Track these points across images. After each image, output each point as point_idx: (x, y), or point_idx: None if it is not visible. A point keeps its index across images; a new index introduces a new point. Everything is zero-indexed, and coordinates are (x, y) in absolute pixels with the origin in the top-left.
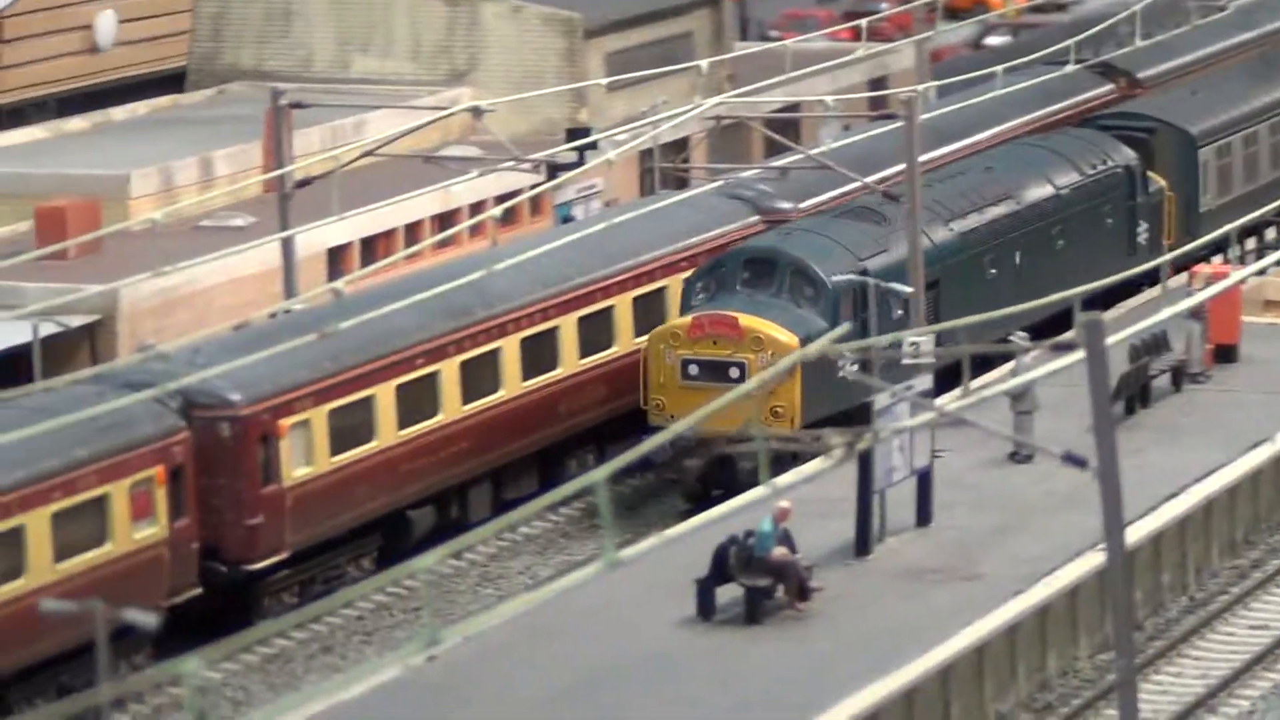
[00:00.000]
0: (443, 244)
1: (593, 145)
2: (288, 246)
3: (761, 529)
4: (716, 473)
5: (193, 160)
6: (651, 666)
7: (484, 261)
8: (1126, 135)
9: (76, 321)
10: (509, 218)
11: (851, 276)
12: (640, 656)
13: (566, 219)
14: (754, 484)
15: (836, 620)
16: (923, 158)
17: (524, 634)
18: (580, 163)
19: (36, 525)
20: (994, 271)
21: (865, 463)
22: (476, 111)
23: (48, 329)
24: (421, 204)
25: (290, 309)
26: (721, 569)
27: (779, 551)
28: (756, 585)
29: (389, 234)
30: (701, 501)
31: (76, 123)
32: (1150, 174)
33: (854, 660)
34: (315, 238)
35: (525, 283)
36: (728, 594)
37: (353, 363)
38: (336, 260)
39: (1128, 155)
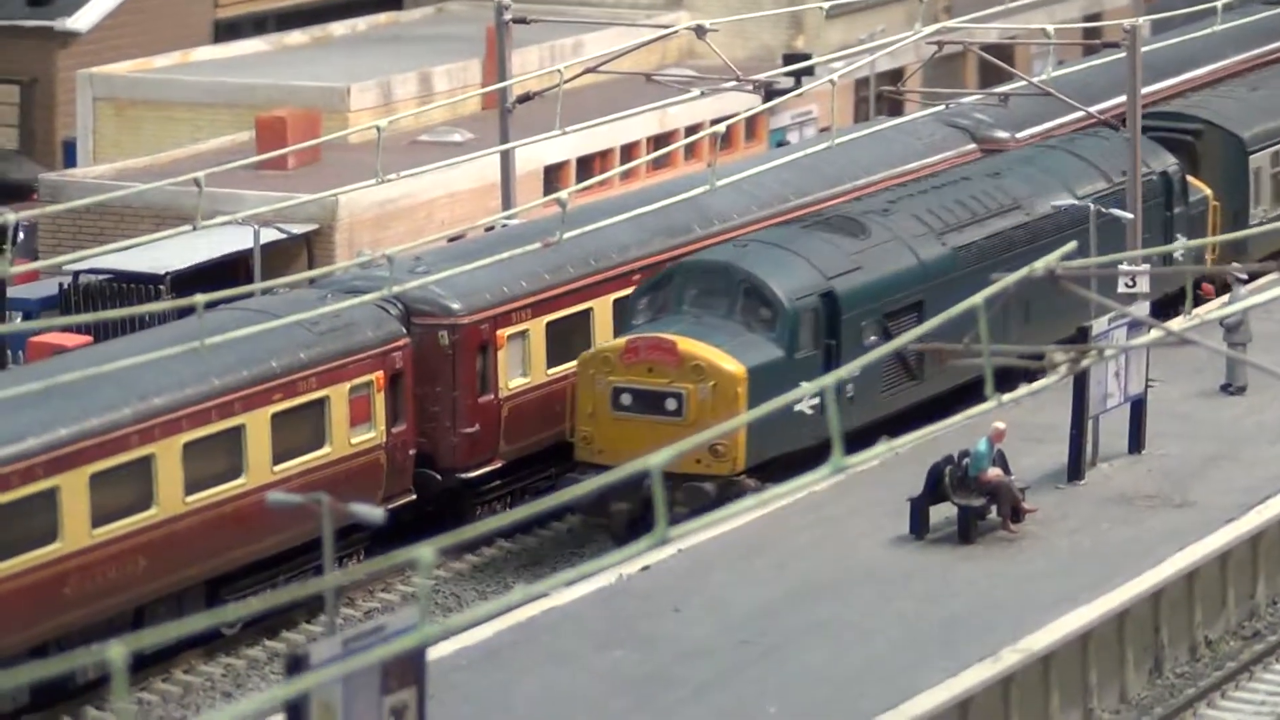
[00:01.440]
0: (658, 165)
1: (810, 71)
2: (506, 160)
3: (977, 449)
4: (650, 516)
5: (412, 75)
6: (863, 582)
7: (702, 181)
8: (1167, 138)
9: (299, 229)
10: (725, 142)
11: (815, 297)
12: (852, 572)
13: (781, 144)
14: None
15: (1048, 542)
16: (1145, 89)
17: (737, 548)
18: (797, 88)
19: (256, 426)
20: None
21: (1081, 387)
22: (699, 31)
23: (268, 235)
24: (638, 124)
25: (507, 223)
26: (936, 488)
27: (993, 472)
28: (970, 505)
29: (605, 154)
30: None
31: (296, 37)
32: (1193, 181)
33: (1065, 582)
34: (533, 155)
35: (743, 202)
36: (941, 513)
37: (572, 276)
38: (553, 178)
39: (1166, 160)
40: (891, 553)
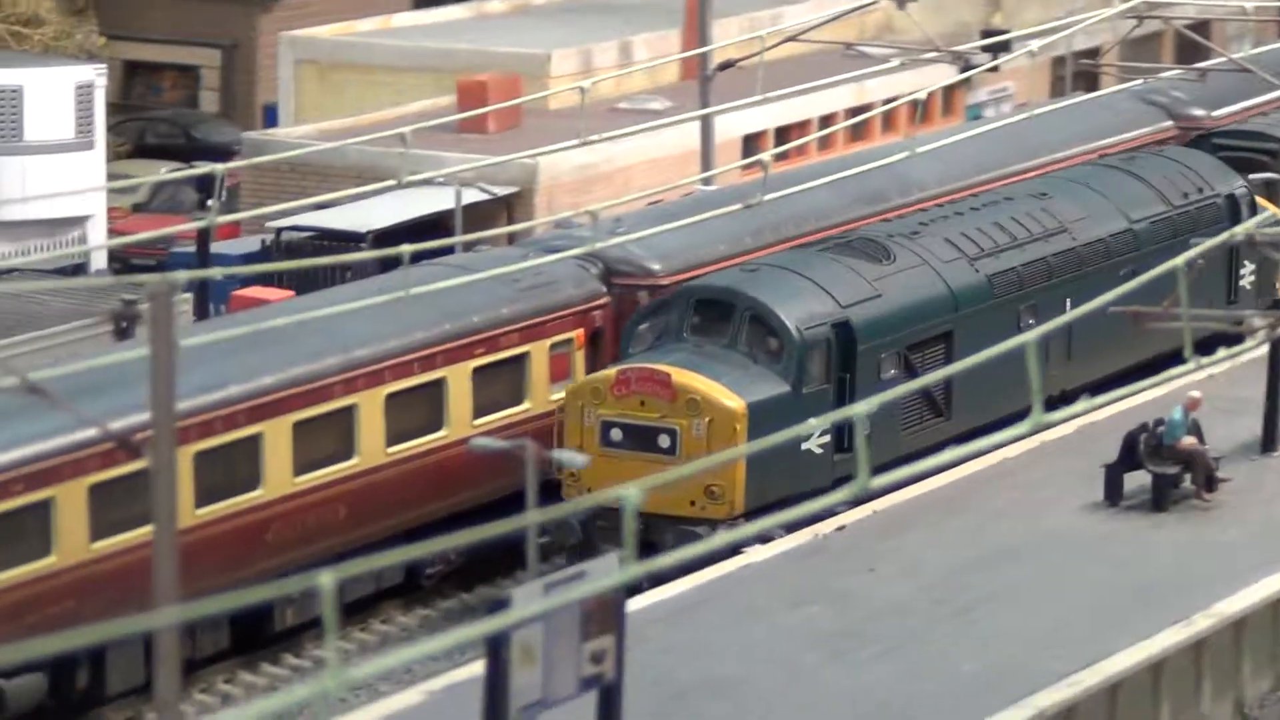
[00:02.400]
0: (856, 137)
1: (1006, 46)
2: (707, 126)
3: (1172, 418)
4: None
5: (612, 44)
6: (1056, 546)
7: (900, 152)
8: (1240, 157)
9: (501, 190)
10: (922, 115)
11: (827, 327)
12: (1046, 536)
13: (977, 120)
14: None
15: (1241, 512)
16: None
17: (932, 510)
18: (995, 66)
19: (458, 380)
20: (1032, 323)
21: (1276, 358)
22: (900, 2)
23: (469, 196)
24: (836, 96)
25: (704, 187)
26: (1131, 455)
27: (1188, 441)
28: (1164, 473)
29: (803, 125)
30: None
31: (496, 4)
32: (1264, 204)
33: (1257, 551)
34: (732, 124)
35: (940, 172)
36: (1136, 481)
37: (771, 240)
38: (752, 148)
39: (1233, 182)
40: (1085, 518)
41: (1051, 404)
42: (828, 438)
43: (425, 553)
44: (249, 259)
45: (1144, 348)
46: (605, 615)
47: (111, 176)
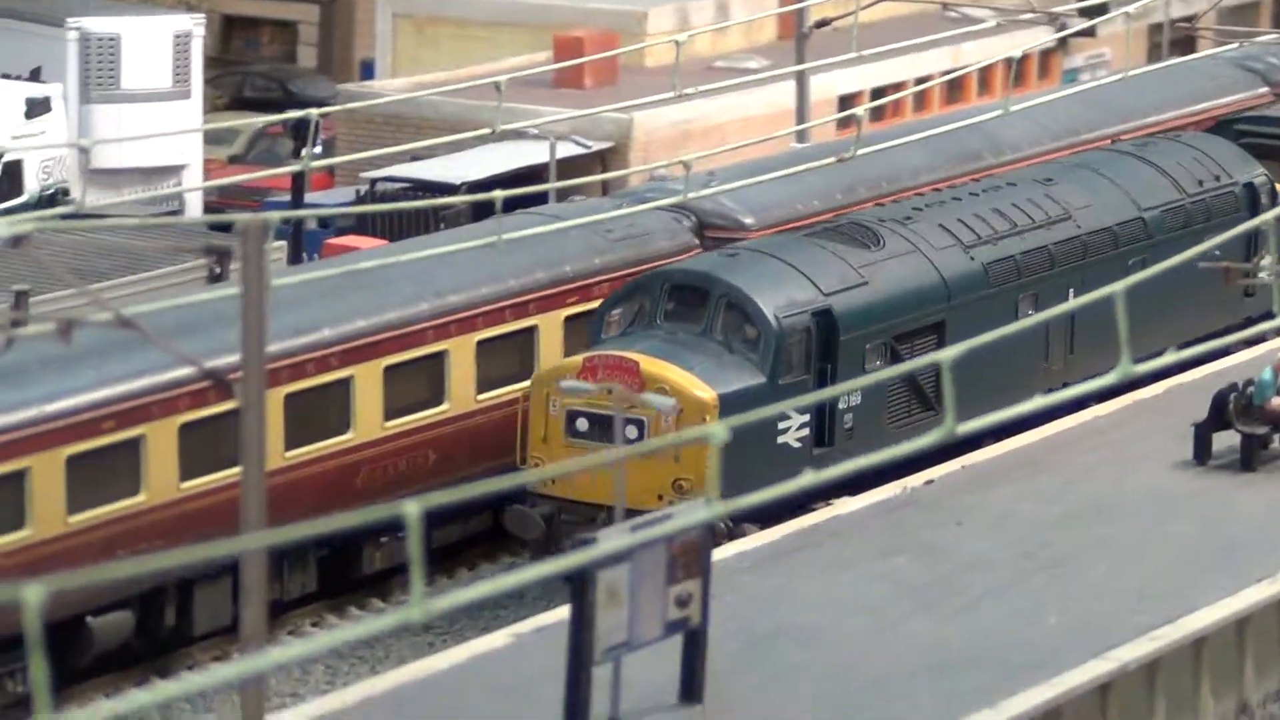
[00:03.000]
0: (951, 100)
1: (1103, 9)
2: (801, 84)
3: (1262, 379)
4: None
5: (708, 1)
6: (1144, 503)
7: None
8: (1263, 144)
9: (596, 144)
10: (1018, 79)
11: (807, 315)
12: (1133, 493)
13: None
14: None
15: None
16: None
17: (1021, 466)
18: (1091, 31)
19: (549, 328)
20: (1031, 314)
21: None
22: None
23: (563, 150)
24: (932, 58)
25: (798, 145)
26: (1220, 415)
27: (1277, 401)
28: (1253, 432)
29: (898, 86)
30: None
31: None
32: None
33: None
34: (827, 84)
35: (1034, 133)
36: (1224, 441)
37: (864, 196)
38: (847, 108)
39: (1252, 170)
40: (1173, 477)
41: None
42: (807, 430)
43: (510, 486)
44: (345, 213)
45: (1150, 341)
46: (691, 559)
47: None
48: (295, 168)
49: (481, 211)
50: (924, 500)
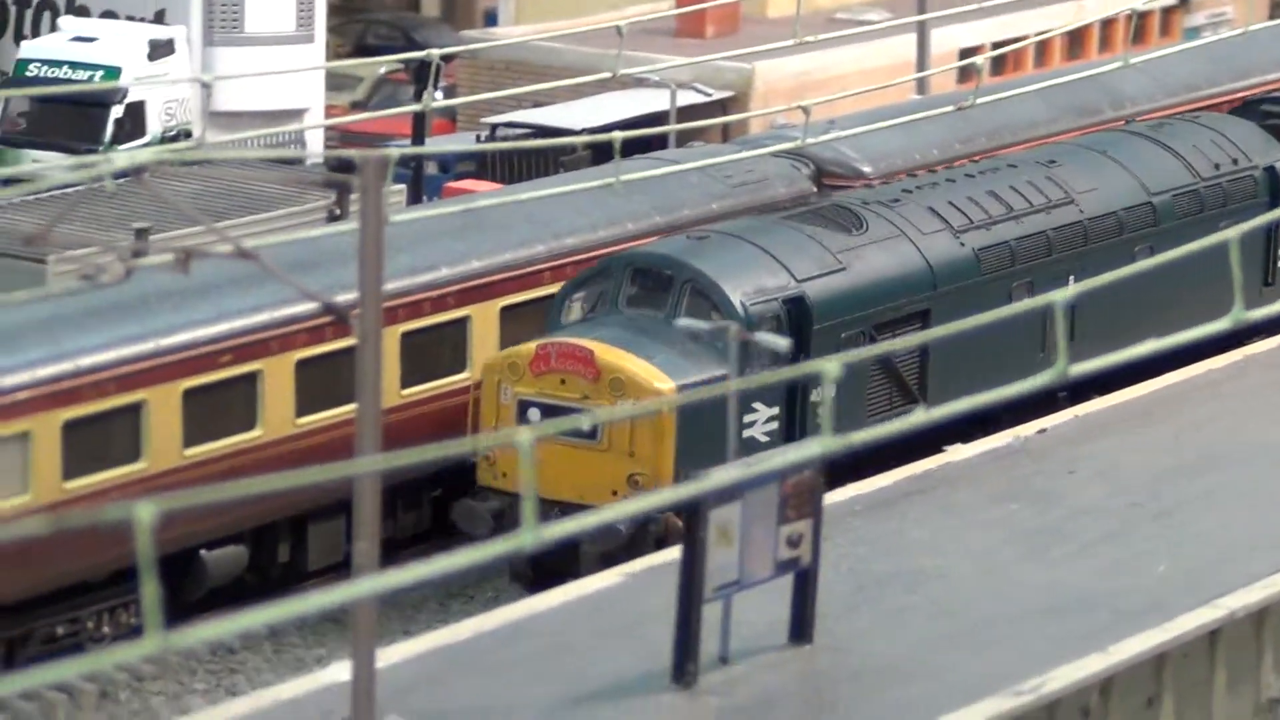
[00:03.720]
0: (1073, 56)
1: None
2: (922, 34)
3: None
4: (556, 555)
5: None
6: (1257, 456)
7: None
8: (1273, 125)
9: (716, 93)
10: (1138, 35)
11: (778, 302)
12: (1246, 446)
13: None
14: (604, 567)
15: None
16: None
17: (1133, 417)
18: None
19: None
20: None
21: None
22: None
23: (684, 98)
24: (1053, 12)
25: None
26: None
27: None
28: None
29: (1019, 41)
30: (538, 584)
31: None
32: None
33: None
34: (948, 37)
35: (1153, 88)
36: None
37: (984, 146)
38: (969, 66)
39: (1274, 153)
40: None
41: (1050, 397)
42: (775, 424)
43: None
44: (464, 155)
45: (1156, 330)
46: (803, 500)
47: (331, 76)
48: (415, 107)
49: (601, 159)
50: (1036, 449)
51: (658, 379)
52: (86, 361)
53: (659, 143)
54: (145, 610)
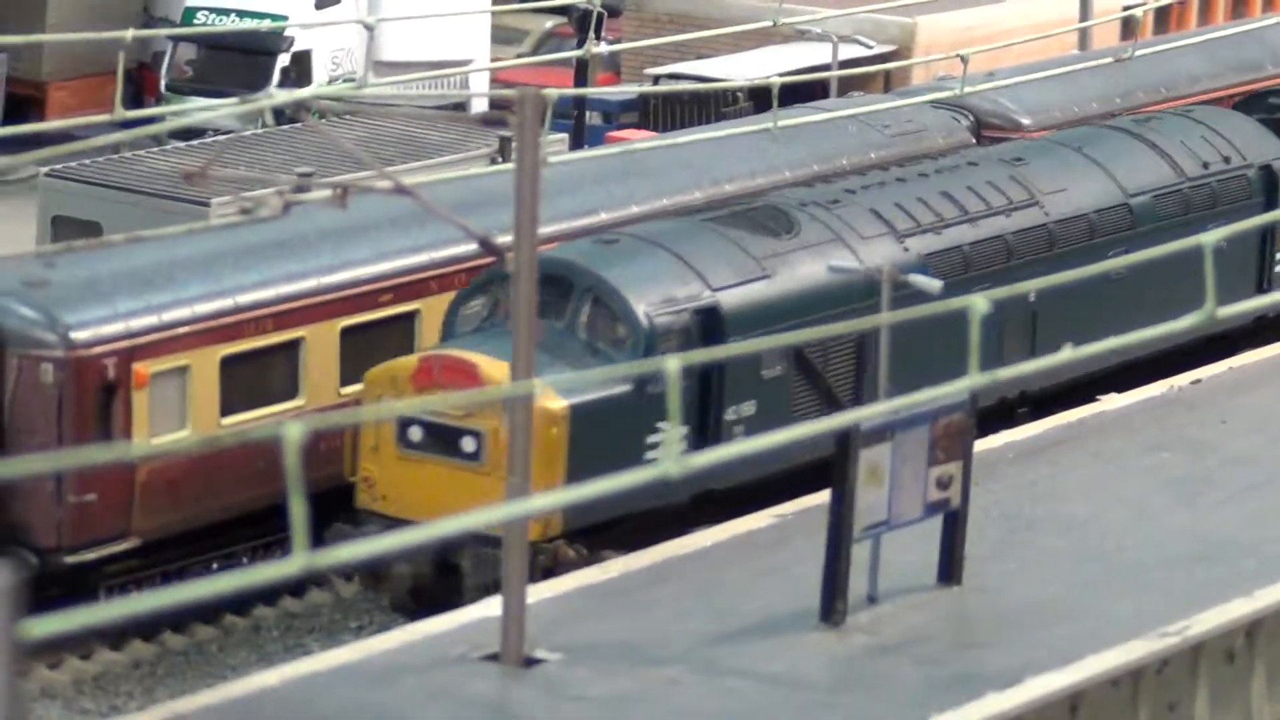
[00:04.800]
0: (1236, 15)
1: None
2: None
3: None
4: (436, 583)
5: None
6: None
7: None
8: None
9: (878, 46)
10: None
11: (688, 314)
12: None
13: None
14: (486, 596)
15: None
16: None
17: (1234, 383)
18: None
19: None
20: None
21: None
22: None
23: (846, 52)
24: None
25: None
26: None
27: None
28: None
29: (1183, 2)
30: (421, 610)
31: None
32: None
33: None
34: None
35: None
36: None
37: (1141, 101)
38: (1131, 23)
39: (1270, 148)
40: None
41: (1008, 408)
42: (684, 445)
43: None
44: (626, 106)
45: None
46: (953, 442)
47: (497, 30)
48: (576, 53)
49: (762, 110)
50: (1190, 398)
51: (548, 397)
52: (245, 298)
53: (820, 94)
54: (293, 528)
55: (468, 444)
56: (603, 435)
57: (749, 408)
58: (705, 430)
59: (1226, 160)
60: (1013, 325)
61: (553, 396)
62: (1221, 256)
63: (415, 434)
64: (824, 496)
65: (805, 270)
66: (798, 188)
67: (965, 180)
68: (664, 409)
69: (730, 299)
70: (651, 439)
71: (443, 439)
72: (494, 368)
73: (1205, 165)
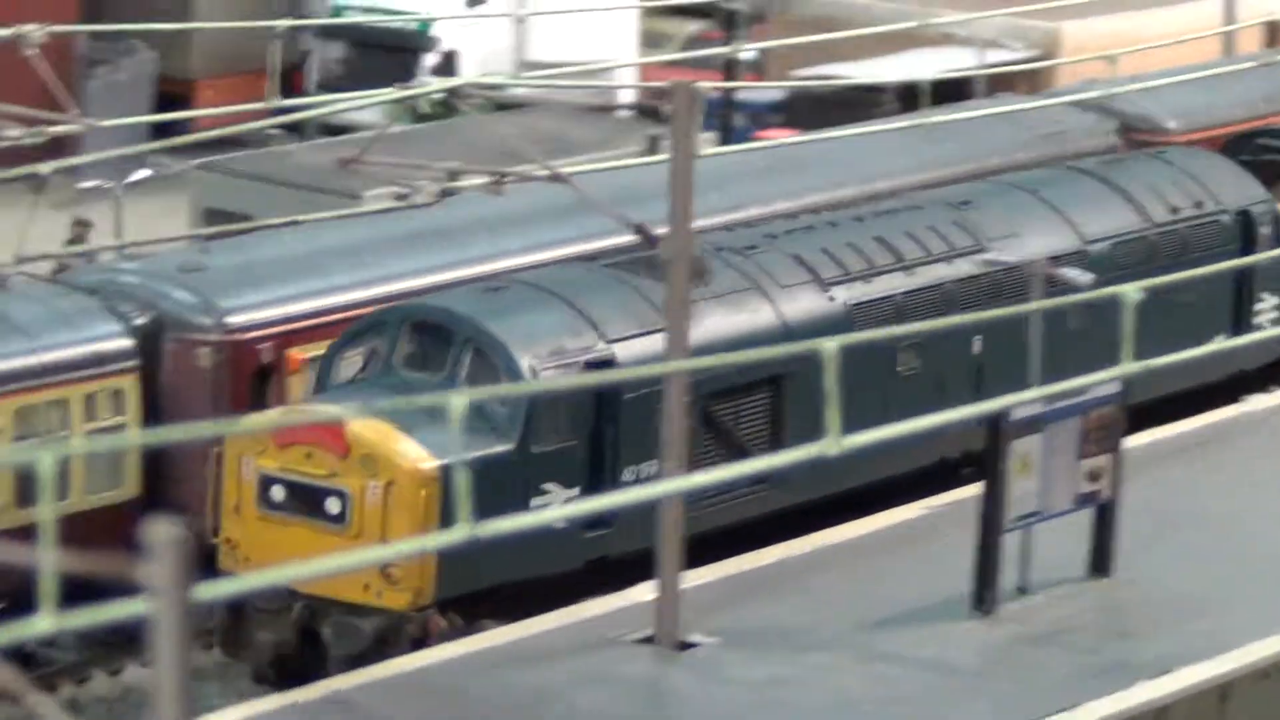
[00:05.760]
0: None
1: None
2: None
3: None
4: (299, 651)
5: None
6: None
7: None
8: (1268, 161)
9: (1024, 51)
10: None
11: (578, 367)
12: None
13: None
14: (355, 667)
15: None
16: None
17: None
18: None
19: None
20: (916, 367)
21: None
22: None
23: (991, 56)
24: None
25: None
26: None
27: None
28: None
29: None
30: (284, 681)
31: None
32: None
33: None
34: (1259, 6)
35: None
36: None
37: (1264, 111)
38: (1277, 32)
39: (1249, 192)
40: None
41: (950, 467)
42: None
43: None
44: (773, 107)
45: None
46: (1104, 434)
47: (644, 34)
48: (722, 49)
49: (909, 111)
50: None
51: (413, 456)
52: (396, 287)
53: (967, 97)
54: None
55: (332, 505)
56: (480, 498)
57: (650, 467)
58: (599, 489)
59: (1198, 205)
60: (956, 368)
61: (423, 456)
62: (1188, 306)
63: (278, 493)
64: (977, 489)
65: (713, 322)
66: (716, 232)
67: (902, 225)
68: (550, 468)
69: (627, 351)
70: (536, 501)
71: (306, 499)
72: (361, 425)
73: (1174, 210)
